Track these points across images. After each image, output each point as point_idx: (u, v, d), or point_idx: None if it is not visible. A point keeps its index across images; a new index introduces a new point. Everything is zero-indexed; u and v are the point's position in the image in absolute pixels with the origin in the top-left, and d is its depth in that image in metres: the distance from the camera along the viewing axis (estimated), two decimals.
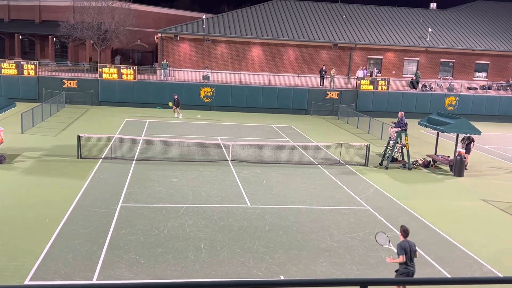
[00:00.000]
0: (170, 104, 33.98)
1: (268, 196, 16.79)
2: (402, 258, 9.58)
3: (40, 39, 56.91)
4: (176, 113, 33.26)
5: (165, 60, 40.18)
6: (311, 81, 41.14)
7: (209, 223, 13.94)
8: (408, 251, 9.62)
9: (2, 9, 59.07)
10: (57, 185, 16.74)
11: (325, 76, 41.35)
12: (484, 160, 25.44)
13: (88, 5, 47.17)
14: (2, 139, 21.69)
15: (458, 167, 21.55)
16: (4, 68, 35.80)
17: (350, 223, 14.66)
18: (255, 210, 15.28)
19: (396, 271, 9.89)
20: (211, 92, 37.58)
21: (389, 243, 10.08)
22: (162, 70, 39.08)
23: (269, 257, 11.94)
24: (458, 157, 21.57)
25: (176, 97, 33.51)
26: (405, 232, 9.87)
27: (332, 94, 38.96)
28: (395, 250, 9.86)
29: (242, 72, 41.19)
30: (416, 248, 9.87)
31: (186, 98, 36.05)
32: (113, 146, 21.92)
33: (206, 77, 39.77)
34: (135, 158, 20.95)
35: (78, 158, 20.42)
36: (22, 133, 24.96)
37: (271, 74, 41.19)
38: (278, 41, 44.23)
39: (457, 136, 22.47)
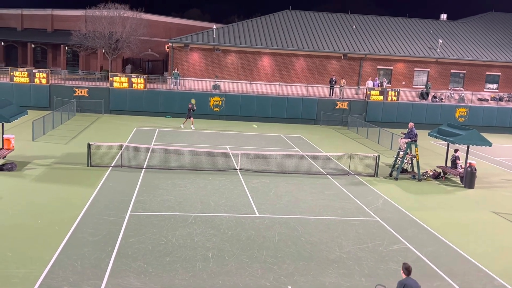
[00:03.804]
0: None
1: (276, 206, 16.73)
2: None
3: (52, 48, 57.56)
4: (182, 124, 32.68)
5: (175, 70, 40.40)
6: (321, 91, 41.15)
7: (217, 232, 13.91)
8: None
9: (15, 18, 59.93)
10: (66, 193, 16.82)
11: (334, 86, 41.34)
12: (494, 172, 25.20)
13: (100, 14, 47.71)
14: (13, 146, 21.91)
15: (468, 178, 21.36)
16: (17, 76, 36.22)
17: (359, 234, 14.56)
18: (263, 220, 15.23)
19: None
20: (220, 102, 37.70)
21: None
22: (173, 79, 39.30)
23: (277, 267, 11.87)
24: (469, 169, 21.39)
25: (193, 103, 32.50)
26: (407, 270, 8.89)
27: (342, 104, 38.91)
28: None
29: (251, 82, 41.31)
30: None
31: (196, 107, 36.15)
32: (123, 154, 22.02)
33: (215, 87, 39.93)
34: (144, 167, 21.01)
35: (88, 166, 20.52)
36: (33, 140, 25.17)
37: (280, 84, 41.26)
38: (288, 51, 44.36)
39: (468, 147, 22.30)
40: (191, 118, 32.55)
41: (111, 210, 15.21)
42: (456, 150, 23.22)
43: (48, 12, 58.64)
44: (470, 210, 18.19)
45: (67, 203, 15.64)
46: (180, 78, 40.07)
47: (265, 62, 44.52)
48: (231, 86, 40.28)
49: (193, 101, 32.80)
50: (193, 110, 32.57)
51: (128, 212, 15.09)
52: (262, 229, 14.37)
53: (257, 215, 15.67)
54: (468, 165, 21.60)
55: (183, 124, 32.74)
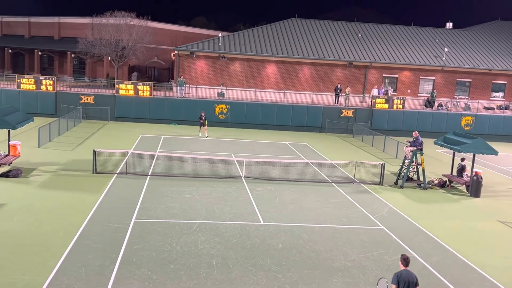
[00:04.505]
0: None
1: (281, 214, 16.69)
2: None
3: (59, 55, 57.95)
4: (200, 132, 32.53)
5: (181, 77, 40.56)
6: (326, 99, 41.15)
7: (221, 240, 13.87)
8: (405, 284, 8.74)
9: (23, 26, 60.44)
10: (71, 200, 16.85)
11: (340, 94, 41.33)
12: (501, 181, 25.05)
13: (106, 22, 48.02)
14: (19, 153, 22.01)
15: (474, 187, 21.24)
16: (23, 83, 36.47)
17: (364, 243, 14.48)
18: (268, 227, 15.19)
19: None
20: (226, 109, 37.77)
21: None
22: (179, 87, 39.44)
23: (281, 275, 11.82)
24: (475, 178, 21.27)
25: (203, 114, 32.58)
26: (405, 260, 9.01)
27: (347, 112, 38.88)
28: None
29: (257, 90, 41.38)
30: (417, 280, 8.86)
31: (199, 115, 36.18)
32: (128, 161, 22.07)
33: (221, 94, 40.02)
34: (149, 174, 21.04)
35: (93, 172, 20.57)
36: (39, 147, 25.27)
37: (285, 91, 41.31)
38: (293, 59, 44.44)
39: (474, 156, 22.18)
40: (204, 127, 32.47)
41: (115, 217, 15.22)
42: (463, 159, 23.10)
43: (56, 20, 59.10)
44: (476, 219, 18.06)
45: (72, 210, 15.66)
46: (186, 85, 40.20)
47: (270, 70, 44.61)
48: (236, 93, 40.36)
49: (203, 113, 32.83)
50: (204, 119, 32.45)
51: (133, 219, 15.09)
52: (266, 237, 14.32)
53: (262, 223, 15.63)
54: (474, 173, 21.49)
55: (200, 133, 32.63)
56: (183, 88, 39.39)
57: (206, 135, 32.27)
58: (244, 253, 12.99)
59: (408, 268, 8.94)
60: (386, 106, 39.23)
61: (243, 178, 21.41)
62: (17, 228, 13.78)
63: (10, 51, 59.79)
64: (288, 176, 22.23)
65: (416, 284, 8.81)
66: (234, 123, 37.76)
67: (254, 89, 41.40)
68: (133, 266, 11.74)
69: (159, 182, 19.81)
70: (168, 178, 20.53)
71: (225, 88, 40.94)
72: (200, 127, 32.59)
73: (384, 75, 46.08)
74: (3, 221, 14.26)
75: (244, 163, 22.52)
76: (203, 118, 32.26)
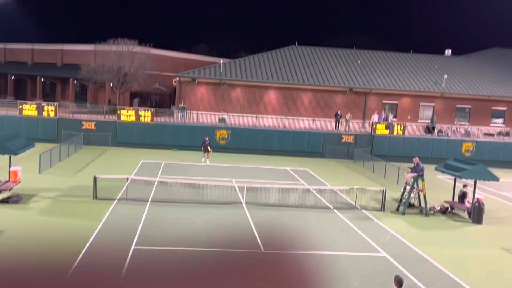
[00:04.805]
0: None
1: (282, 241, 16.52)
2: None
3: (61, 81, 58.48)
4: (203, 157, 32.41)
5: (182, 103, 40.83)
6: (326, 124, 41.29)
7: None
8: None
9: (26, 53, 61.15)
10: (71, 226, 16.75)
11: (340, 120, 41.49)
12: (503, 207, 24.92)
13: (109, 49, 48.59)
14: (19, 179, 21.97)
15: (476, 214, 21.12)
16: (25, 109, 36.70)
17: (367, 270, 14.32)
18: (268, 255, 15.02)
19: None
20: (226, 135, 37.88)
21: None
22: (180, 113, 39.67)
23: None
24: (477, 204, 21.17)
25: (207, 139, 32.54)
26: (399, 282, 9.09)
27: (347, 138, 38.96)
28: None
29: (257, 115, 41.57)
30: None
31: (202, 140, 36.21)
32: (129, 187, 22.03)
33: (222, 120, 40.19)
34: (149, 199, 20.97)
35: (93, 198, 20.51)
36: (39, 173, 25.27)
37: (286, 117, 41.49)
38: (294, 86, 44.79)
39: (475, 182, 22.12)
40: (208, 153, 32.36)
41: (115, 244, 15.09)
42: (464, 186, 23.00)
43: (59, 47, 59.83)
44: (479, 246, 17.90)
45: (71, 237, 15.55)
46: (187, 111, 40.44)
47: (271, 96, 44.91)
48: (237, 119, 40.56)
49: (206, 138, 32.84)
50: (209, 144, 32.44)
51: (133, 246, 14.98)
52: (267, 264, 14.15)
53: (263, 250, 15.47)
54: (475, 200, 21.40)
55: (203, 158, 32.53)
56: (185, 114, 39.62)
57: (208, 162, 32.04)
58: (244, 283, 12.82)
59: None
60: (387, 132, 39.34)
61: (243, 204, 21.33)
62: (15, 255, 13.64)
63: (13, 77, 60.35)
64: (289, 202, 22.13)
65: None
66: (235, 148, 37.82)
67: (255, 115, 41.60)
68: None
69: (160, 208, 19.72)
70: (169, 204, 20.46)
71: (226, 114, 41.15)
72: (204, 152, 32.42)
73: (384, 101, 46.34)
74: (1, 248, 14.13)
75: (245, 189, 22.46)
76: (206, 143, 32.19)
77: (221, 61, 46.82)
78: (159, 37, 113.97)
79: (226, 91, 44.30)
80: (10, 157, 20.97)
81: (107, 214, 18.41)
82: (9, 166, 21.53)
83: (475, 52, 60.50)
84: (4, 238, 15.01)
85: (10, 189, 20.19)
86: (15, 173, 21.78)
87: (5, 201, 19.06)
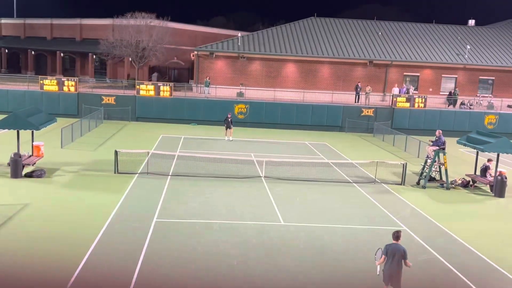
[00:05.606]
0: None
1: (301, 214, 16.61)
2: (382, 259, 10.15)
3: (80, 56, 58.77)
4: (227, 136, 31.30)
5: (207, 78, 40.80)
6: (346, 98, 40.86)
7: (242, 240, 13.87)
8: (391, 255, 10.02)
9: (45, 28, 61.43)
10: (94, 200, 17.04)
11: (360, 93, 41.00)
12: None
13: (127, 23, 48.46)
14: (42, 153, 22.34)
15: (499, 187, 20.84)
16: (46, 84, 37.07)
17: (386, 244, 14.28)
18: (288, 228, 15.13)
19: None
20: (245, 109, 37.81)
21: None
22: (205, 88, 39.71)
23: (303, 276, 11.75)
24: (499, 177, 20.87)
25: (229, 116, 31.39)
26: (393, 235, 10.33)
27: (367, 111, 38.55)
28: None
29: (276, 89, 41.31)
30: (405, 253, 10.03)
31: (221, 115, 36.13)
32: (149, 161, 22.24)
33: (240, 94, 40.07)
34: (170, 173, 21.17)
35: (115, 173, 20.78)
36: (61, 148, 25.65)
37: (305, 91, 41.15)
38: (313, 58, 44.26)
39: (498, 155, 21.74)
40: (230, 129, 31.43)
41: (137, 217, 15.34)
42: (489, 160, 22.59)
43: (77, 21, 59.93)
44: (501, 219, 17.72)
45: (94, 210, 15.84)
46: (210, 86, 40.45)
47: (289, 69, 44.50)
48: (255, 93, 40.35)
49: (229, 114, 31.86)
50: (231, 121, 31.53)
51: (154, 219, 15.19)
52: (287, 238, 14.27)
53: (282, 223, 15.59)
54: (498, 173, 21.09)
55: (226, 136, 31.42)
56: (209, 88, 39.71)
57: (231, 138, 31.32)
58: (264, 254, 12.96)
59: (397, 242, 10.14)
60: (407, 105, 38.78)
61: (262, 178, 21.39)
62: (40, 229, 13.99)
63: (33, 53, 60.85)
64: (308, 176, 22.12)
65: (404, 257, 9.97)
66: (254, 122, 37.75)
67: (274, 89, 41.35)
68: (155, 267, 11.81)
69: (180, 182, 19.91)
70: (189, 178, 20.63)
71: (244, 88, 40.98)
72: (226, 129, 31.44)
73: (405, 73, 45.57)
74: (27, 221, 14.49)
75: (264, 163, 22.50)
76: (229, 119, 31.40)
77: (239, 34, 46.38)
78: (176, 10, 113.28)
79: (244, 65, 44.03)
80: (32, 132, 21.29)
81: (128, 188, 18.67)
82: (32, 141, 21.89)
83: (499, 21, 58.78)
84: (29, 211, 15.36)
85: (34, 164, 20.57)
86: (38, 147, 22.15)
87: (29, 175, 19.44)
